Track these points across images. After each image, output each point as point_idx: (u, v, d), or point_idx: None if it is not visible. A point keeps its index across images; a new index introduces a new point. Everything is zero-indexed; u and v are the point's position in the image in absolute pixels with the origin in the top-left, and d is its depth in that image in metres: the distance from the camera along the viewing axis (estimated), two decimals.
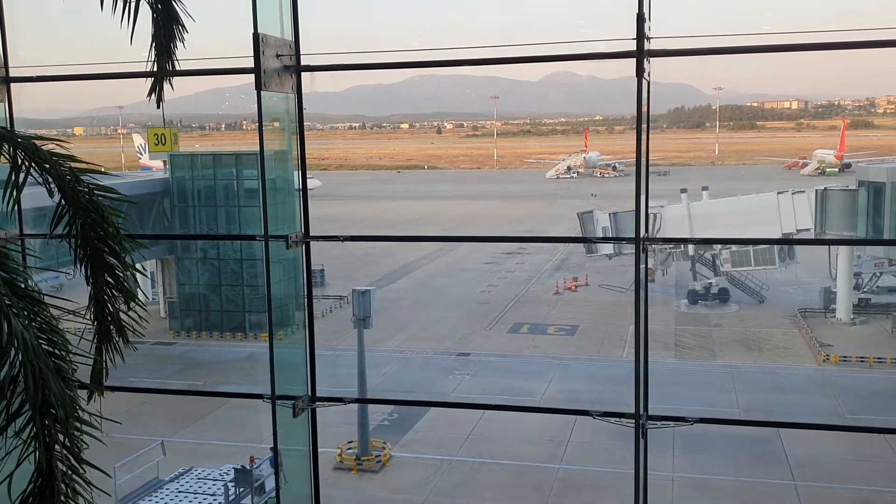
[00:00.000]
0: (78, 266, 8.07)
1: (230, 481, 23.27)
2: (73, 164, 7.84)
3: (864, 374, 40.19)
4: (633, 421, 11.36)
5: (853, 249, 48.22)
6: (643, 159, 10.84)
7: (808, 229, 48.47)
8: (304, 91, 12.45)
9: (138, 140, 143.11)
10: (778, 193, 50.31)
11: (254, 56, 10.67)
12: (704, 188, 55.95)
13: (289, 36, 11.48)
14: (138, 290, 8.57)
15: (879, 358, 41.48)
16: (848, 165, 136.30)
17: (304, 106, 12.73)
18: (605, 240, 54.30)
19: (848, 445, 30.53)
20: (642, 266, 11.41)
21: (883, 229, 44.10)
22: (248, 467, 23.31)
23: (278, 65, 11.27)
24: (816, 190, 49.03)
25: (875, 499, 27.17)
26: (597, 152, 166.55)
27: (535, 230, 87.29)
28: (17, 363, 6.26)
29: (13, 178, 7.73)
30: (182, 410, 35.21)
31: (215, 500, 23.26)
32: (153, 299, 54.22)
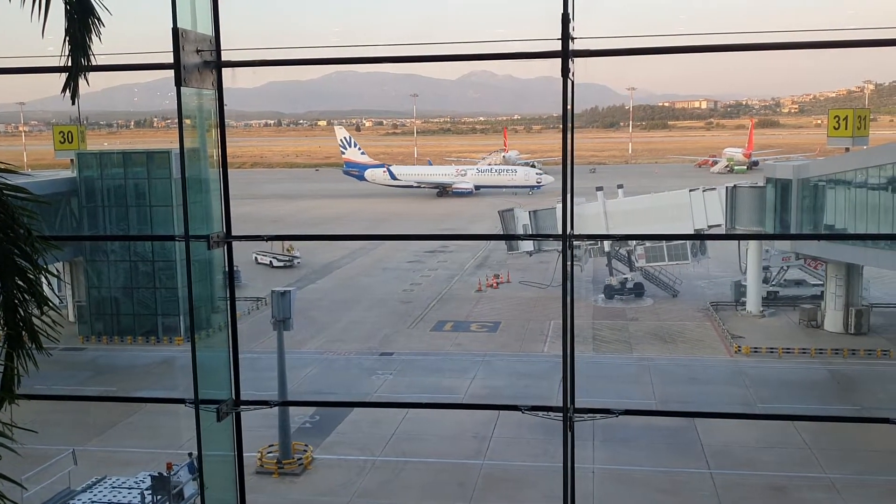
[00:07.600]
0: None
1: (146, 489, 22.61)
2: None
3: (773, 365, 41.77)
4: (561, 414, 11.45)
5: (762, 244, 50.09)
6: (569, 158, 10.95)
7: (718, 225, 50.02)
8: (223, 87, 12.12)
9: (342, 133, 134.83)
10: (690, 191, 51.77)
11: (173, 51, 10.31)
12: (619, 186, 57.03)
13: (209, 31, 11.15)
14: (50, 293, 8.20)
15: (788, 348, 43.19)
16: (756, 163, 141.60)
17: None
18: (532, 237, 54.47)
19: (760, 433, 31.71)
20: (569, 262, 11.51)
21: (790, 224, 45.88)
22: (165, 474, 22.68)
23: (198, 60, 10.93)
24: (726, 187, 50.70)
25: (786, 484, 28.27)
26: (516, 151, 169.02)
27: (457, 228, 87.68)
28: None
29: None
30: (93, 418, 34.00)
31: None
32: (61, 303, 52.29)
